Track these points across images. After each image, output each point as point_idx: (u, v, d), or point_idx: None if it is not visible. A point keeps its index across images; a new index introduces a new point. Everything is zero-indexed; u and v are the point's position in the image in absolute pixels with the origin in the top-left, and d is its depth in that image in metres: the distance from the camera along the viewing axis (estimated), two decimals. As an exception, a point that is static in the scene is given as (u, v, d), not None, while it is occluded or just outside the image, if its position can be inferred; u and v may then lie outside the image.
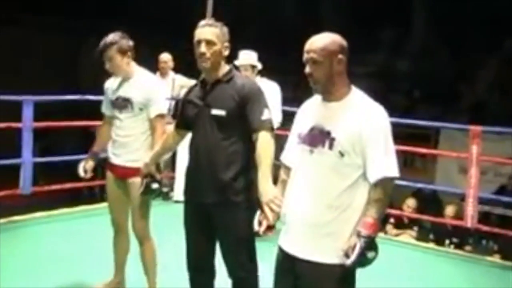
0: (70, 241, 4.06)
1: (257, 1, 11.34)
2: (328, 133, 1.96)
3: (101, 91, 3.14)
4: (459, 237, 5.52)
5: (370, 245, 1.90)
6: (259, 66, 4.32)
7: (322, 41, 2.00)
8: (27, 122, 4.42)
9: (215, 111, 2.39)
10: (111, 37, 2.90)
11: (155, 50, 5.57)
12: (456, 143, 7.89)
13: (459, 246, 5.46)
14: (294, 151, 2.08)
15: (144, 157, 2.81)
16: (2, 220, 4.28)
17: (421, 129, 8.88)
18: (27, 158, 4.44)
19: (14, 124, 4.48)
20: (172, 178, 5.65)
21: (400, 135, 8.94)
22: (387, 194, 1.94)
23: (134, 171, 2.88)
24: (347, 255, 1.90)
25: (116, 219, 3.08)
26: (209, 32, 2.39)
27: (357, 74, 12.00)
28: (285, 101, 4.53)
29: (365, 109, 1.97)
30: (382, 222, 6.08)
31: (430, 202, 7.95)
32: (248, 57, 4.28)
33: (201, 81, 2.50)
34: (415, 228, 5.66)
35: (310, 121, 2.03)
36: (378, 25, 12.14)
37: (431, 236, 5.65)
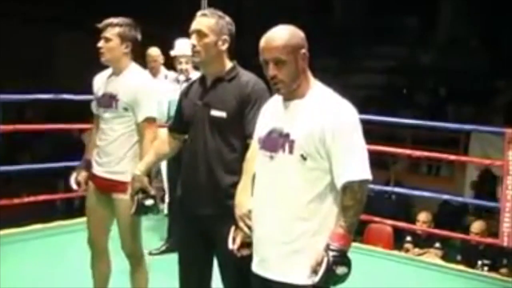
0: (43, 263, 4.08)
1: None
2: (287, 135, 1.97)
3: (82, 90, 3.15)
4: (492, 258, 5.52)
5: (341, 259, 1.89)
6: None
7: (281, 36, 1.99)
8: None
9: (214, 112, 2.42)
10: (120, 19, 2.93)
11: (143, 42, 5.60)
12: (490, 149, 7.91)
13: (493, 268, 5.47)
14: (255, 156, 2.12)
15: (131, 168, 2.81)
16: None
17: (448, 133, 8.90)
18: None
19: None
20: (162, 190, 5.66)
21: (423, 139, 9.09)
22: (357, 201, 1.93)
23: (120, 186, 2.89)
24: (315, 272, 1.90)
25: (94, 239, 3.06)
26: (202, 22, 2.44)
27: (375, 70, 12.16)
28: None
29: (327, 106, 1.97)
30: (399, 240, 6.02)
31: (459, 217, 7.96)
32: (187, 47, 4.20)
33: (201, 77, 2.53)
34: (436, 245, 5.65)
35: (269, 123, 2.05)
36: (398, 13, 12.16)
37: (459, 257, 5.64)
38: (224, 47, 2.46)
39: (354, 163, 1.93)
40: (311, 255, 1.92)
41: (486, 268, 5.45)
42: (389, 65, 11.98)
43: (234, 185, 2.36)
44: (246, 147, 2.35)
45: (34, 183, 8.28)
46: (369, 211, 5.89)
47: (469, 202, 8.22)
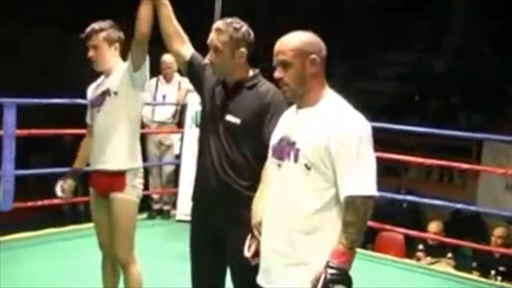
0: (54, 267, 4.12)
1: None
2: (294, 144, 1.96)
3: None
4: (508, 266, 5.49)
5: (339, 278, 1.84)
6: None
7: (292, 40, 2.01)
8: (9, 129, 4.49)
9: (229, 117, 2.46)
10: (101, 23, 3.01)
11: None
12: (503, 157, 7.88)
13: (507, 276, 5.43)
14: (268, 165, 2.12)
15: (129, 158, 2.88)
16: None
17: (460, 141, 8.87)
18: (8, 170, 4.51)
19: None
20: (175, 194, 5.70)
21: (435, 146, 9.05)
22: (359, 217, 1.87)
23: (117, 182, 2.94)
24: None
25: (103, 242, 3.11)
26: (217, 38, 2.47)
27: (385, 76, 12.14)
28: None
29: (336, 116, 1.94)
30: (410, 248, 5.98)
31: (472, 225, 7.92)
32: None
33: (222, 81, 2.55)
34: (449, 255, 5.64)
35: (281, 131, 2.06)
36: (409, 18, 12.15)
37: (473, 265, 5.62)
38: (242, 59, 2.48)
39: (358, 177, 1.88)
40: (314, 269, 1.88)
41: (499, 277, 5.43)
42: (400, 72, 11.96)
43: (245, 189, 2.41)
44: (260, 156, 2.34)
45: (42, 186, 8.36)
46: (380, 219, 5.90)
47: (482, 211, 8.18)
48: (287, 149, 1.97)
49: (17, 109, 4.51)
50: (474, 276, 5.19)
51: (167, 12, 2.66)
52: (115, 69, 3.00)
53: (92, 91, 3.12)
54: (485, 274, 5.36)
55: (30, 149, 8.09)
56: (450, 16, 12.27)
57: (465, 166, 6.30)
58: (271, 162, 2.06)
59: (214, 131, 2.49)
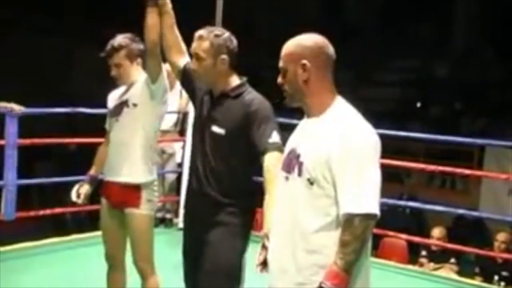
0: (59, 276, 4.12)
1: (272, 4, 11.49)
2: (299, 156, 1.87)
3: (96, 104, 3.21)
4: (511, 271, 5.48)
5: None
6: None
7: (289, 45, 1.95)
8: (11, 139, 4.50)
9: (215, 128, 2.45)
10: (120, 39, 2.96)
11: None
12: (505, 162, 7.87)
13: (511, 282, 5.42)
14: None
15: (145, 172, 2.88)
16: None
17: (463, 146, 8.87)
18: (11, 180, 4.52)
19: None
20: (177, 203, 5.71)
21: (437, 152, 9.05)
22: (356, 236, 1.76)
23: (132, 197, 2.93)
24: None
25: (111, 253, 3.11)
26: (198, 46, 2.48)
27: (388, 82, 12.16)
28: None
29: (340, 128, 1.83)
30: (413, 254, 5.96)
31: (475, 231, 7.91)
32: None
33: (210, 90, 2.56)
34: (452, 260, 5.63)
35: (292, 142, 1.98)
36: (412, 24, 12.18)
37: (476, 270, 5.61)
38: (224, 66, 2.47)
39: (357, 194, 1.77)
40: None
41: (503, 283, 5.42)
42: (403, 78, 11.97)
43: (228, 205, 2.43)
44: (250, 167, 2.39)
45: (45, 195, 8.39)
46: (383, 225, 5.90)
47: (484, 216, 8.17)
48: (293, 161, 1.89)
49: (20, 118, 4.52)
50: (477, 281, 5.18)
51: (170, 22, 2.68)
52: (137, 80, 2.97)
53: (112, 99, 3.10)
54: (488, 279, 5.36)
55: (33, 158, 8.12)
56: (452, 22, 12.30)
57: (467, 171, 6.29)
58: (279, 175, 1.99)
59: (201, 141, 2.50)
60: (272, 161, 2.27)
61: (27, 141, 4.74)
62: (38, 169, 9.12)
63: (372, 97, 11.65)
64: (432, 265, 5.62)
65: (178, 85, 5.75)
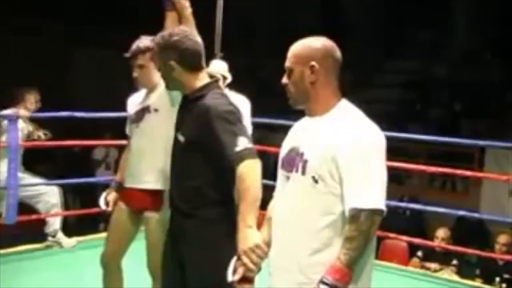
0: (58, 278, 4.14)
1: (271, 5, 11.50)
2: (302, 155, 1.87)
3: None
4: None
5: None
6: (229, 77, 4.47)
7: (297, 46, 1.96)
8: (13, 143, 4.51)
9: (179, 136, 2.36)
10: (146, 41, 2.94)
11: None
12: (505, 164, 7.88)
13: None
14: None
15: (164, 177, 2.81)
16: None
17: (463, 148, 8.88)
18: (12, 184, 4.53)
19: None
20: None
21: (437, 154, 9.05)
22: (362, 232, 1.77)
23: (153, 201, 2.93)
24: None
25: (110, 255, 3.09)
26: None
27: (387, 84, 12.18)
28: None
29: (345, 126, 1.85)
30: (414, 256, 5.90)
31: (476, 232, 7.92)
32: (218, 66, 4.43)
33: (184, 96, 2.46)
34: (454, 262, 5.64)
35: (291, 141, 1.97)
36: (411, 26, 12.20)
37: (477, 272, 5.62)
38: (178, 67, 2.33)
39: (365, 190, 1.78)
40: None
41: (504, 285, 5.42)
42: (402, 80, 11.99)
43: (190, 211, 2.33)
44: (216, 178, 2.27)
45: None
46: (384, 227, 5.90)
47: (485, 218, 8.18)
48: (296, 160, 1.88)
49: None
50: (478, 283, 5.18)
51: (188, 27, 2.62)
52: (159, 84, 2.93)
53: (132, 104, 3.09)
54: (489, 281, 5.36)
55: (33, 161, 8.12)
56: (451, 24, 12.32)
57: (468, 173, 6.30)
58: (279, 174, 1.98)
59: (172, 153, 2.42)
60: (246, 171, 2.12)
61: (29, 144, 4.76)
62: (38, 173, 9.13)
63: (372, 99, 11.64)
64: (433, 266, 5.62)
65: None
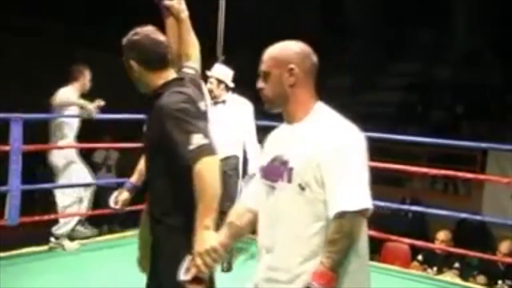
0: (61, 280, 4.15)
1: (274, 6, 11.51)
2: (286, 163, 1.85)
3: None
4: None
5: None
6: (228, 83, 4.53)
7: (274, 49, 1.95)
8: (16, 144, 4.53)
9: (144, 136, 2.38)
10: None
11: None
12: (507, 166, 7.88)
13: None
14: (257, 188, 1.98)
15: None
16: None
17: (465, 150, 8.89)
18: (15, 185, 4.55)
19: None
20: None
21: (439, 156, 9.05)
22: (344, 234, 1.77)
23: None
24: None
25: (144, 255, 3.01)
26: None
27: (389, 87, 12.18)
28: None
29: (325, 131, 1.85)
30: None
31: (477, 235, 7.92)
32: (220, 70, 4.55)
33: None
34: (456, 265, 5.63)
35: (273, 150, 1.94)
36: (411, 28, 12.20)
37: (478, 274, 5.61)
38: (140, 65, 2.33)
39: (347, 192, 1.78)
40: None
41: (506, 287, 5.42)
42: (404, 82, 11.99)
43: (160, 217, 2.31)
44: (178, 179, 2.21)
45: (47, 200, 8.37)
46: (385, 229, 5.90)
47: (487, 221, 8.17)
48: (280, 169, 1.86)
49: (24, 124, 4.55)
50: (480, 286, 5.18)
51: (182, 30, 2.63)
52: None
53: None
54: (491, 284, 5.36)
55: (35, 164, 8.14)
56: (453, 26, 12.32)
57: (470, 175, 6.30)
58: (262, 184, 1.95)
59: (144, 153, 2.44)
60: (201, 170, 2.07)
61: (31, 147, 4.78)
62: (39, 174, 9.14)
63: (373, 101, 11.68)
64: (435, 269, 5.62)
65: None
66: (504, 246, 5.57)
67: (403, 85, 12.00)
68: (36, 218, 4.96)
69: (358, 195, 1.79)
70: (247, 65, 3.23)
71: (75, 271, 4.37)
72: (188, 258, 1.99)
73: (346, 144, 1.82)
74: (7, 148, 4.51)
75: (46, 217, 5.02)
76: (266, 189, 1.92)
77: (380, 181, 10.19)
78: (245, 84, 4.27)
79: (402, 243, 5.81)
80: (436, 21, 11.89)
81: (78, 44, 10.43)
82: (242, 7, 5.87)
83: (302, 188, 1.82)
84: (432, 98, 11.66)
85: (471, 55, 11.80)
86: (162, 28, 2.67)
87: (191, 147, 2.10)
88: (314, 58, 1.96)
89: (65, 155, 4.90)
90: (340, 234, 1.77)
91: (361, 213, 1.79)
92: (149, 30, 2.37)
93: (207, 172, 2.07)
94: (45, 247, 4.85)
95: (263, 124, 5.09)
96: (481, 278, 5.40)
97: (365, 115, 11.16)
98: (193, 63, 2.56)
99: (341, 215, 1.77)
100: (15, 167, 4.52)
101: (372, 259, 6.20)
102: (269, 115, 2.03)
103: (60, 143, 4.90)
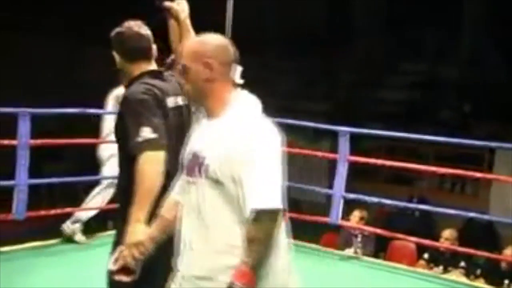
0: (68, 275, 4.16)
1: (280, 7, 11.49)
2: (203, 159, 1.85)
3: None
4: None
5: None
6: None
7: (191, 43, 1.94)
8: (23, 139, 4.55)
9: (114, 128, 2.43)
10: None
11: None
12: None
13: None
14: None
15: None
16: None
17: (472, 149, 8.86)
18: (22, 180, 4.57)
19: (7, 141, 4.62)
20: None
21: (447, 155, 9.03)
22: (264, 232, 1.77)
23: None
24: None
25: None
26: None
27: (397, 85, 12.16)
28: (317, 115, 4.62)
29: (239, 127, 1.83)
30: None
31: (485, 235, 7.90)
32: None
33: None
34: (461, 264, 5.61)
35: (193, 146, 1.93)
36: (420, 28, 12.17)
37: (482, 273, 5.60)
38: (121, 56, 2.42)
39: (263, 191, 1.77)
40: None
41: (512, 287, 5.40)
42: (412, 81, 11.97)
43: (120, 210, 2.33)
44: (130, 166, 2.21)
45: (54, 195, 8.43)
46: (392, 228, 5.89)
47: (495, 221, 8.15)
48: (197, 164, 1.86)
49: (32, 118, 4.58)
50: (486, 285, 5.17)
51: (183, 31, 2.66)
52: None
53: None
54: (497, 283, 5.35)
55: (41, 158, 8.19)
56: (461, 25, 12.28)
57: (478, 175, 6.28)
58: (183, 180, 1.95)
59: None
60: (142, 164, 2.13)
61: (38, 142, 4.80)
62: (46, 169, 9.19)
63: (382, 100, 11.66)
64: (441, 268, 5.61)
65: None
66: (509, 251, 5.52)
67: (411, 84, 11.97)
68: (43, 212, 4.98)
69: (271, 195, 1.78)
70: (254, 65, 3.22)
71: (80, 266, 4.38)
72: (118, 249, 2.07)
73: (262, 144, 1.81)
74: (14, 142, 4.54)
75: (52, 212, 5.04)
76: (187, 184, 1.91)
77: (387, 179, 10.27)
78: (251, 83, 4.26)
79: (409, 242, 5.80)
80: (444, 21, 11.85)
81: (86, 40, 10.48)
82: (246, 6, 5.87)
83: (218, 184, 1.81)
84: (441, 98, 11.63)
85: (479, 55, 11.76)
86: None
87: (139, 139, 2.14)
88: (232, 51, 1.92)
89: (112, 148, 4.92)
90: (260, 233, 1.77)
91: (276, 211, 1.79)
92: (134, 23, 2.42)
93: (148, 165, 2.12)
94: (51, 241, 4.87)
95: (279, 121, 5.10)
96: (485, 278, 5.39)
97: (374, 114, 11.19)
98: None
99: (257, 214, 1.76)
100: (23, 162, 4.55)
101: (378, 257, 6.24)
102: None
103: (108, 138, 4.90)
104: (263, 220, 1.76)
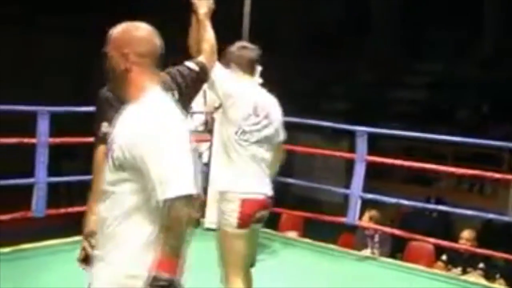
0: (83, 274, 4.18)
1: (298, 7, 11.48)
2: (113, 145, 1.88)
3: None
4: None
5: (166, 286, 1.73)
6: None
7: (115, 30, 1.95)
8: (42, 137, 4.60)
9: None
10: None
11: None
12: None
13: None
14: None
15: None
16: (7, 249, 4.41)
17: (492, 150, 8.77)
18: (42, 177, 4.62)
19: (27, 139, 4.67)
20: (204, 202, 5.75)
21: (465, 156, 8.95)
22: (176, 220, 1.74)
23: None
24: None
25: None
26: None
27: (415, 85, 12.07)
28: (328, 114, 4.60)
29: (143, 115, 1.84)
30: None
31: (504, 236, 7.82)
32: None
33: None
34: (480, 265, 5.56)
35: (113, 132, 1.95)
36: (437, 26, 12.08)
37: (500, 275, 5.54)
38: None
39: (169, 179, 1.76)
40: (116, 270, 1.85)
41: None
42: (430, 81, 11.89)
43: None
44: None
45: (72, 193, 8.48)
46: (410, 228, 5.85)
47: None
48: (110, 150, 1.89)
49: (51, 117, 4.62)
50: (507, 287, 5.12)
51: (200, 27, 2.69)
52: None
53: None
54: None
55: (60, 156, 8.26)
56: (480, 25, 12.17)
57: (497, 175, 6.21)
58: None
59: None
60: (95, 155, 2.35)
61: (57, 140, 4.84)
62: (64, 167, 9.27)
63: (399, 99, 11.59)
64: (459, 270, 5.56)
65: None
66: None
67: (428, 83, 11.88)
68: (62, 210, 5.03)
69: (185, 181, 1.76)
70: (271, 65, 3.22)
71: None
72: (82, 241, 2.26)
73: (164, 132, 1.80)
74: (34, 141, 4.59)
75: (72, 209, 5.08)
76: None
77: (405, 180, 10.21)
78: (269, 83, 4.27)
79: (427, 243, 5.76)
80: (464, 21, 11.75)
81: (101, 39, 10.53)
82: (266, 7, 5.87)
83: (120, 169, 1.83)
84: (459, 97, 11.53)
85: (499, 54, 11.64)
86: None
87: (100, 134, 2.32)
88: (155, 42, 1.93)
89: None
90: (174, 220, 1.74)
91: (188, 197, 1.76)
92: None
93: (97, 157, 2.31)
94: (71, 239, 4.91)
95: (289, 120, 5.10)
96: (506, 280, 5.33)
97: (392, 113, 11.12)
98: (201, 58, 2.64)
99: (170, 202, 1.74)
100: (42, 159, 4.60)
101: (395, 257, 6.20)
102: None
103: None
104: (175, 207, 1.74)
